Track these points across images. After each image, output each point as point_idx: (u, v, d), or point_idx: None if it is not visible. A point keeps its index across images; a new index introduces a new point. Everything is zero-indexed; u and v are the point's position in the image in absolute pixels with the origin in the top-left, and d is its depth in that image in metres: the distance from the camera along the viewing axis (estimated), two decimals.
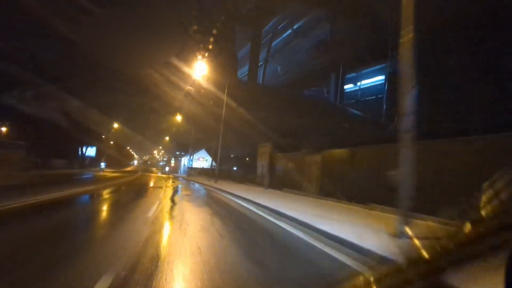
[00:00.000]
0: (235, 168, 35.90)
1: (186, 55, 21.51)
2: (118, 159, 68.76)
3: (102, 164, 47.73)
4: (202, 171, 39.55)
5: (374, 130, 22.70)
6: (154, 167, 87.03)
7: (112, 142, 55.58)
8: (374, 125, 25.52)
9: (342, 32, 29.78)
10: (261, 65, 38.99)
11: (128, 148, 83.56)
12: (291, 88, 36.45)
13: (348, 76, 34.24)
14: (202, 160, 47.47)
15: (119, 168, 51.05)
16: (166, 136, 54.02)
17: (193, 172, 39.82)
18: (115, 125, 43.16)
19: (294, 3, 30.96)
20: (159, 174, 39.79)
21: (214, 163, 37.66)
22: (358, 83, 34.39)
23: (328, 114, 28.95)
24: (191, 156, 40.47)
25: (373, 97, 31.17)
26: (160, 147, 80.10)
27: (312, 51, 33.48)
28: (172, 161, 67.30)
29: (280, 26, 36.05)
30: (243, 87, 31.80)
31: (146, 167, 74.88)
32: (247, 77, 39.02)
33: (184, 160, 50.80)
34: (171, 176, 37.21)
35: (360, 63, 31.00)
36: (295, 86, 36.48)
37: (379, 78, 30.47)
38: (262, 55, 38.11)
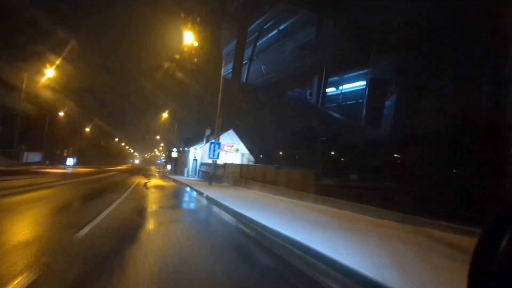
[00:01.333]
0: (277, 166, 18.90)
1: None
2: (105, 157, 61.63)
3: (70, 160, 38.84)
4: (245, 174, 17.42)
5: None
6: (154, 165, 78.60)
7: (87, 129, 51.19)
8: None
9: (326, 36, 30.22)
10: (246, 63, 38.89)
11: (124, 144, 76.34)
12: (275, 88, 36.65)
13: (330, 79, 34.80)
14: (229, 150, 25.17)
15: (102, 167, 43.41)
16: (166, 120, 41.93)
17: (221, 173, 19.38)
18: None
19: (281, 4, 31.11)
20: (143, 179, 21.56)
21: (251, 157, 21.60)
22: (340, 87, 35.00)
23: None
24: (217, 137, 19.36)
25: (353, 102, 31.80)
26: (158, 136, 64.35)
27: (296, 52, 33.76)
28: (174, 154, 42.43)
29: (266, 26, 36.06)
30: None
31: (143, 166, 68.08)
32: (231, 75, 38.78)
33: (196, 152, 30.03)
34: (169, 183, 20.15)
35: (343, 68, 31.66)
36: (279, 86, 36.70)
37: (361, 84, 31.14)
38: (247, 53, 38.01)
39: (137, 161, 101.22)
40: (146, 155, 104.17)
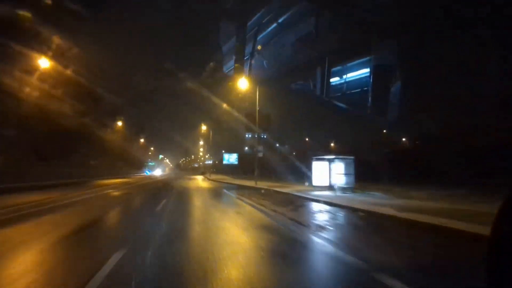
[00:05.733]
0: None
1: None
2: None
3: None
4: None
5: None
6: (194, 173, 51.85)
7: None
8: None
9: (327, 26, 29.90)
10: (247, 59, 38.75)
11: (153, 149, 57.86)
12: (278, 82, 36.45)
13: (333, 69, 34.46)
14: None
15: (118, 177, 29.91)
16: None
17: None
18: None
19: None
20: None
21: None
22: (344, 76, 34.66)
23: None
24: None
25: (358, 90, 31.51)
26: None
27: (297, 45, 33.48)
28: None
29: (265, 20, 35.81)
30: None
31: (175, 175, 42.60)
32: (233, 72, 38.73)
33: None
34: None
35: (345, 57, 31.24)
36: (282, 80, 36.46)
37: (364, 71, 30.77)
38: (248, 49, 37.89)
39: (158, 173, 47.99)
40: (180, 161, 73.92)
